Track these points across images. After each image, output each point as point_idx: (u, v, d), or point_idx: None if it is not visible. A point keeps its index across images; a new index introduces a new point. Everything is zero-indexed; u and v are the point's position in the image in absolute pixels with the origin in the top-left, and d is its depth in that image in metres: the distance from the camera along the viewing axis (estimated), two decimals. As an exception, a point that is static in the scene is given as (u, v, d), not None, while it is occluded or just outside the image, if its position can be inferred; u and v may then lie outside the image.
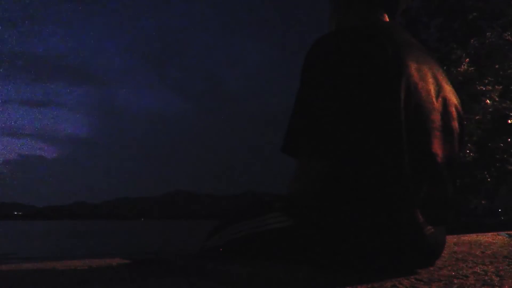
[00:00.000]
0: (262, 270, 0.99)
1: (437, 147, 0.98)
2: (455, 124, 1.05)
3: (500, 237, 2.15)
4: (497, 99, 9.23)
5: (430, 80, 1.02)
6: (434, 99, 1.01)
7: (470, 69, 9.26)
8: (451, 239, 2.03)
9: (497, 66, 9.58)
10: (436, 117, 1.00)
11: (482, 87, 9.20)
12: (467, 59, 9.33)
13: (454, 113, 1.06)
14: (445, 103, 1.04)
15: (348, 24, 1.11)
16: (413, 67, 0.97)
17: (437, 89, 1.03)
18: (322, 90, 0.95)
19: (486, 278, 0.90)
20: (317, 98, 0.95)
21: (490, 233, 2.46)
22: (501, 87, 9.28)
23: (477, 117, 9.09)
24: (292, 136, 0.99)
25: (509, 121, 9.43)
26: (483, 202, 10.11)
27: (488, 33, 9.62)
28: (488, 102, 9.13)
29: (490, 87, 9.19)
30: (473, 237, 2.18)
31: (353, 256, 0.97)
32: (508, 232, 2.41)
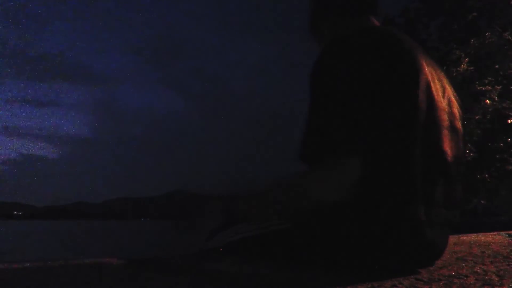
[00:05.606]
0: (262, 270, 0.99)
1: (447, 145, 1.00)
2: (459, 124, 1.07)
3: (500, 237, 2.15)
4: (497, 99, 9.22)
5: (437, 80, 1.04)
6: (441, 99, 1.03)
7: (470, 69, 9.25)
8: (451, 239, 2.02)
9: (497, 66, 9.57)
10: (444, 116, 1.02)
11: (482, 87, 9.18)
12: (467, 59, 9.31)
13: (457, 113, 1.08)
14: (449, 103, 1.07)
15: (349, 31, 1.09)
16: (425, 67, 0.99)
17: (442, 89, 1.05)
18: (340, 91, 0.93)
19: (486, 278, 0.90)
20: (335, 100, 0.93)
21: (490, 233, 2.46)
22: (501, 87, 9.27)
23: (477, 117, 9.08)
24: (312, 144, 0.96)
25: (509, 121, 9.43)
26: (483, 202, 10.10)
27: (488, 33, 9.61)
28: (488, 102, 9.12)
29: (490, 87, 9.18)
30: (473, 237, 2.18)
31: (353, 256, 0.97)
32: (508, 232, 2.41)
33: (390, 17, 12.09)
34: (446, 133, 1.00)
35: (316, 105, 0.96)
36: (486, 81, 9.33)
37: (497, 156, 9.79)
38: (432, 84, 0.99)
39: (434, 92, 0.99)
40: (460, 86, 9.18)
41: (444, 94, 1.05)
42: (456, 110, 1.08)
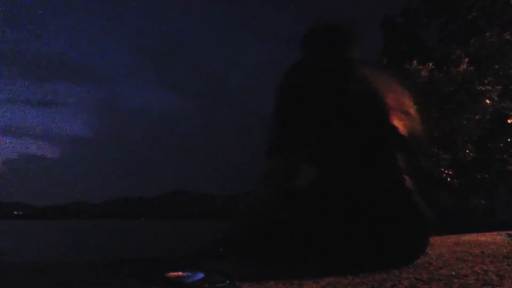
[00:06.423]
0: (261, 269, 0.99)
1: (396, 122, 1.13)
2: (411, 108, 1.22)
3: (500, 237, 2.16)
4: (496, 99, 9.22)
5: (383, 83, 1.21)
6: (388, 93, 1.19)
7: (470, 69, 9.24)
8: (451, 239, 2.03)
9: (497, 66, 9.58)
10: (391, 102, 1.17)
11: (481, 87, 9.18)
12: (467, 59, 9.31)
13: (408, 101, 1.23)
14: (397, 93, 1.23)
15: None
16: (365, 71, 1.19)
17: (388, 86, 1.22)
18: (296, 102, 1.20)
19: (486, 277, 0.90)
20: (291, 110, 1.20)
21: (490, 233, 2.46)
22: (501, 87, 9.27)
23: (477, 117, 9.09)
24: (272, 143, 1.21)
25: (509, 121, 9.43)
26: (482, 202, 10.10)
27: (488, 33, 9.61)
28: (488, 102, 9.12)
29: (490, 87, 9.18)
30: (473, 237, 2.19)
31: (346, 232, 1.04)
32: (508, 232, 2.41)
33: (390, 17, 12.11)
34: (395, 113, 1.14)
35: (277, 112, 1.21)
36: (486, 81, 9.33)
37: (497, 156, 9.78)
38: (373, 79, 1.17)
39: (377, 85, 1.17)
40: (460, 86, 9.19)
41: (393, 89, 1.22)
42: (405, 100, 1.23)
